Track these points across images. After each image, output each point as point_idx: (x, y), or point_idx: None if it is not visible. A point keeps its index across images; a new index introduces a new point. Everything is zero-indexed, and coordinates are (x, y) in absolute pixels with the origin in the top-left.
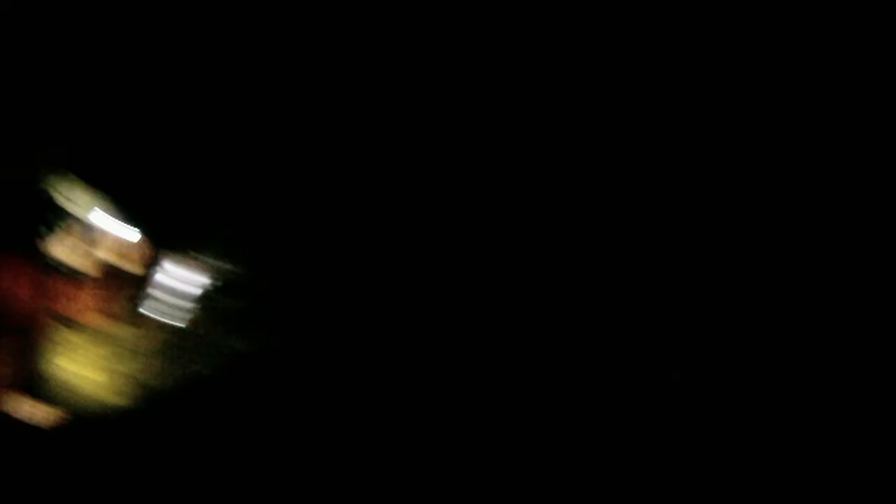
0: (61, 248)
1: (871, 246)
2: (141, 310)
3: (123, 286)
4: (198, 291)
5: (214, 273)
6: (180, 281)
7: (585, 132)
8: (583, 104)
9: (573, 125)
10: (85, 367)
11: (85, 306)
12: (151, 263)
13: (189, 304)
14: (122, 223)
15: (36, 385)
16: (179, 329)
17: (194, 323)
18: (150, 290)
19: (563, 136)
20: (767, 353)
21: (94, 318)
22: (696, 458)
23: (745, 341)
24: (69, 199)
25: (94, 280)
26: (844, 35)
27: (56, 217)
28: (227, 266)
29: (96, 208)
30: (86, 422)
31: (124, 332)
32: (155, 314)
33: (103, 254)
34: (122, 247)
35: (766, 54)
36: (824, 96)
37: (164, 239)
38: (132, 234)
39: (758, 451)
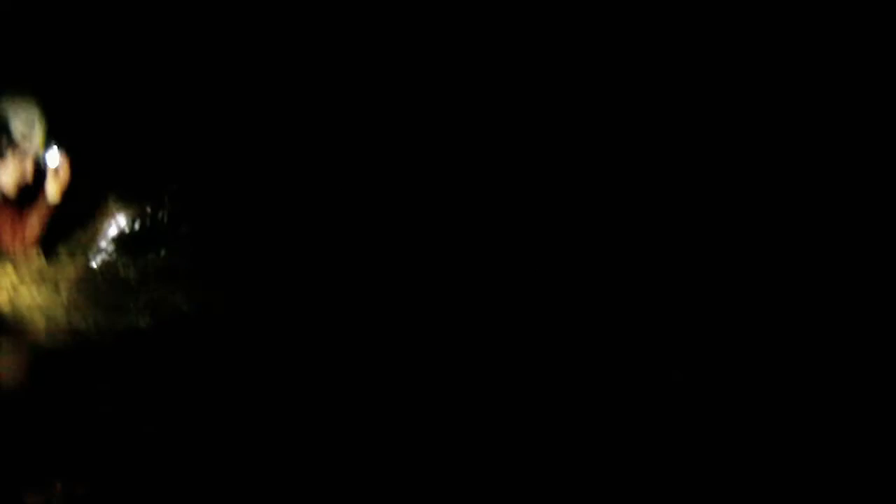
0: (4, 174)
1: (872, 246)
2: (78, 250)
3: (62, 222)
4: (138, 240)
5: (156, 223)
6: (121, 227)
7: (585, 131)
8: (583, 103)
9: (574, 124)
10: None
11: (20, 237)
12: (94, 206)
13: (128, 251)
14: (70, 159)
15: None
16: (111, 274)
17: (129, 270)
18: (92, 233)
19: (563, 136)
20: (767, 352)
21: (25, 251)
22: (697, 458)
23: (745, 341)
24: (22, 127)
25: (32, 210)
26: (844, 34)
27: (4, 142)
28: (170, 218)
29: (48, 141)
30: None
31: (57, 269)
32: (91, 257)
33: (46, 186)
34: (65, 182)
35: (766, 53)
36: (824, 96)
37: (109, 183)
38: (77, 171)
39: (758, 451)
